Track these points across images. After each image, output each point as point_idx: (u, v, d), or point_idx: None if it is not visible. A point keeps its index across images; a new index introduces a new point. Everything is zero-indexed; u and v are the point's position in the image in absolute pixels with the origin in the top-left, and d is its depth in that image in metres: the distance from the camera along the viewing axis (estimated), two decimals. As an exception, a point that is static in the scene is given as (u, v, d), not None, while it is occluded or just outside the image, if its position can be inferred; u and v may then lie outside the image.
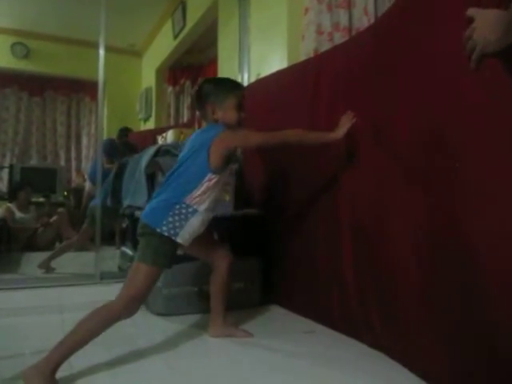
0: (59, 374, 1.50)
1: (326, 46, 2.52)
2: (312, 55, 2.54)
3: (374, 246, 1.82)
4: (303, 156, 2.28)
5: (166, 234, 1.68)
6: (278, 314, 2.39)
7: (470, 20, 1.15)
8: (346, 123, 1.85)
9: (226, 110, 1.83)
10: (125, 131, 4.39)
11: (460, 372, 1.40)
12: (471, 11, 1.15)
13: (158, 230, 1.68)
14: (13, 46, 5.57)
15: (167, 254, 1.72)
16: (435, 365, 1.50)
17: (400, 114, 1.68)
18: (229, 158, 1.79)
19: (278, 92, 2.54)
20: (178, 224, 1.70)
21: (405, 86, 1.67)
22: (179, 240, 1.71)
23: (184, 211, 1.71)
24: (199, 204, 1.73)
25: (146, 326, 2.14)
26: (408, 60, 1.64)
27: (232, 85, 1.91)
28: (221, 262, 2.01)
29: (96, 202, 3.39)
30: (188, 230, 1.72)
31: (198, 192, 1.72)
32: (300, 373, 1.63)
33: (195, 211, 1.72)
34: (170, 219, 1.69)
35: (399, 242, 1.67)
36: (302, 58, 2.61)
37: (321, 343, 1.93)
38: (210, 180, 1.73)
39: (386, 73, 1.77)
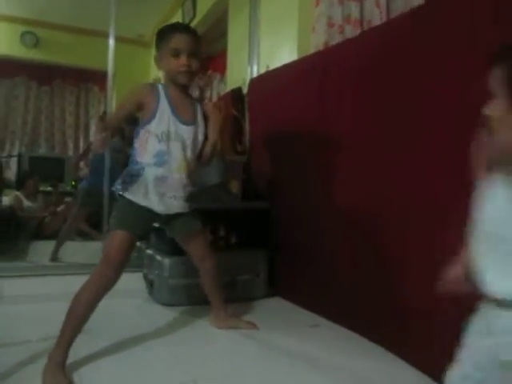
0: (65, 362, 1.51)
1: (336, 39, 2.50)
2: (322, 48, 2.51)
3: (381, 241, 1.82)
4: (310, 149, 2.28)
5: (115, 190, 1.70)
6: (283, 306, 2.40)
7: None
8: None
9: (163, 60, 1.71)
10: None
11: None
12: None
13: (113, 190, 1.72)
14: (22, 35, 5.57)
15: (129, 215, 1.68)
16: (441, 361, 1.50)
17: (414, 112, 1.68)
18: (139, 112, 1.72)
19: (287, 84, 2.52)
20: (128, 179, 1.69)
21: (417, 84, 1.66)
22: (128, 196, 1.67)
23: (136, 167, 1.70)
24: (142, 158, 1.69)
25: (151, 316, 2.15)
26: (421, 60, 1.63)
27: (167, 29, 1.75)
28: (204, 264, 1.98)
29: (84, 184, 3.45)
30: (139, 186, 1.68)
31: (139, 147, 1.71)
32: (300, 366, 1.64)
33: (143, 168, 1.69)
34: (123, 178, 1.71)
35: (411, 238, 1.67)
36: (312, 50, 2.59)
37: (325, 337, 1.93)
38: (143, 133, 1.70)
39: (397, 70, 1.75)
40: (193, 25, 4.66)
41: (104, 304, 2.04)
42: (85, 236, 4.38)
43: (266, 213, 2.58)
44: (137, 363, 1.62)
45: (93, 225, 4.52)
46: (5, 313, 2.12)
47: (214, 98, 5.46)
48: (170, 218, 1.79)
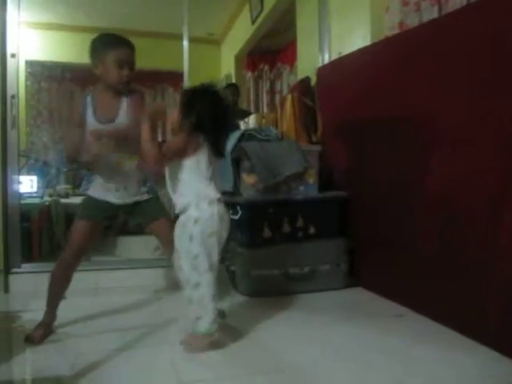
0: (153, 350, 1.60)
1: (412, 18, 2.38)
2: (397, 28, 2.41)
3: (466, 228, 1.73)
4: (387, 134, 2.21)
5: (81, 191, 2.03)
6: (365, 297, 2.35)
7: None
8: None
9: (106, 66, 1.84)
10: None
11: None
12: None
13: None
14: (102, 43, 5.91)
15: (89, 208, 1.91)
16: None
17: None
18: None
19: (358, 70, 2.46)
20: (90, 180, 2.07)
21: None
22: (91, 193, 1.92)
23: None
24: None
25: (235, 306, 2.21)
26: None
27: (114, 40, 1.88)
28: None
29: None
30: (96, 183, 1.93)
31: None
32: (386, 358, 1.60)
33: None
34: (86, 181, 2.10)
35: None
36: (386, 32, 2.49)
37: (409, 328, 1.87)
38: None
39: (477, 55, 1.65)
40: (261, 18, 4.68)
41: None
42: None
43: (343, 202, 2.54)
44: (224, 351, 1.67)
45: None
46: (100, 303, 2.27)
47: (285, 91, 5.46)
48: (130, 208, 1.95)
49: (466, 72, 1.75)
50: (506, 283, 1.56)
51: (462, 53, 1.77)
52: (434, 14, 2.31)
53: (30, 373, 1.57)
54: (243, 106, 5.80)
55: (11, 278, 2.50)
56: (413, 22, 2.39)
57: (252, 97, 5.86)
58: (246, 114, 3.95)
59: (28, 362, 1.63)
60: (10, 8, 2.59)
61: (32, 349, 1.71)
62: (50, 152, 5.66)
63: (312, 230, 2.45)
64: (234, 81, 5.78)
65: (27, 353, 1.68)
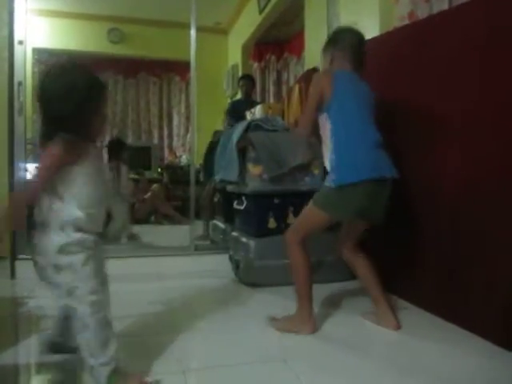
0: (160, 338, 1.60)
1: (422, 8, 2.36)
2: (406, 19, 2.39)
3: (472, 224, 1.72)
4: (395, 128, 2.20)
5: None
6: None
7: None
8: None
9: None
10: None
11: None
12: None
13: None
14: (109, 31, 5.90)
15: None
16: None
17: None
18: None
19: (372, 60, 2.42)
20: None
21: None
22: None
23: None
24: None
25: (238, 295, 2.22)
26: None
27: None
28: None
29: None
30: None
31: None
32: (394, 348, 1.60)
33: None
34: None
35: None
36: (396, 22, 2.47)
37: (414, 322, 1.87)
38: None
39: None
40: (268, 8, 4.65)
41: (194, 283, 2.14)
42: (170, 220, 4.74)
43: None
44: (226, 339, 1.69)
45: (178, 209, 4.84)
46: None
47: (291, 81, 5.43)
48: None
49: (476, 64, 1.74)
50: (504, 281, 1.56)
51: (473, 45, 1.75)
52: (445, 5, 2.29)
53: (36, 356, 1.59)
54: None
55: (17, 264, 2.53)
56: (423, 12, 2.37)
57: (258, 87, 5.84)
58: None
59: (34, 346, 1.65)
60: (18, -5, 2.59)
61: (39, 334, 1.72)
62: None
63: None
64: (240, 71, 5.76)
65: (33, 337, 1.70)
